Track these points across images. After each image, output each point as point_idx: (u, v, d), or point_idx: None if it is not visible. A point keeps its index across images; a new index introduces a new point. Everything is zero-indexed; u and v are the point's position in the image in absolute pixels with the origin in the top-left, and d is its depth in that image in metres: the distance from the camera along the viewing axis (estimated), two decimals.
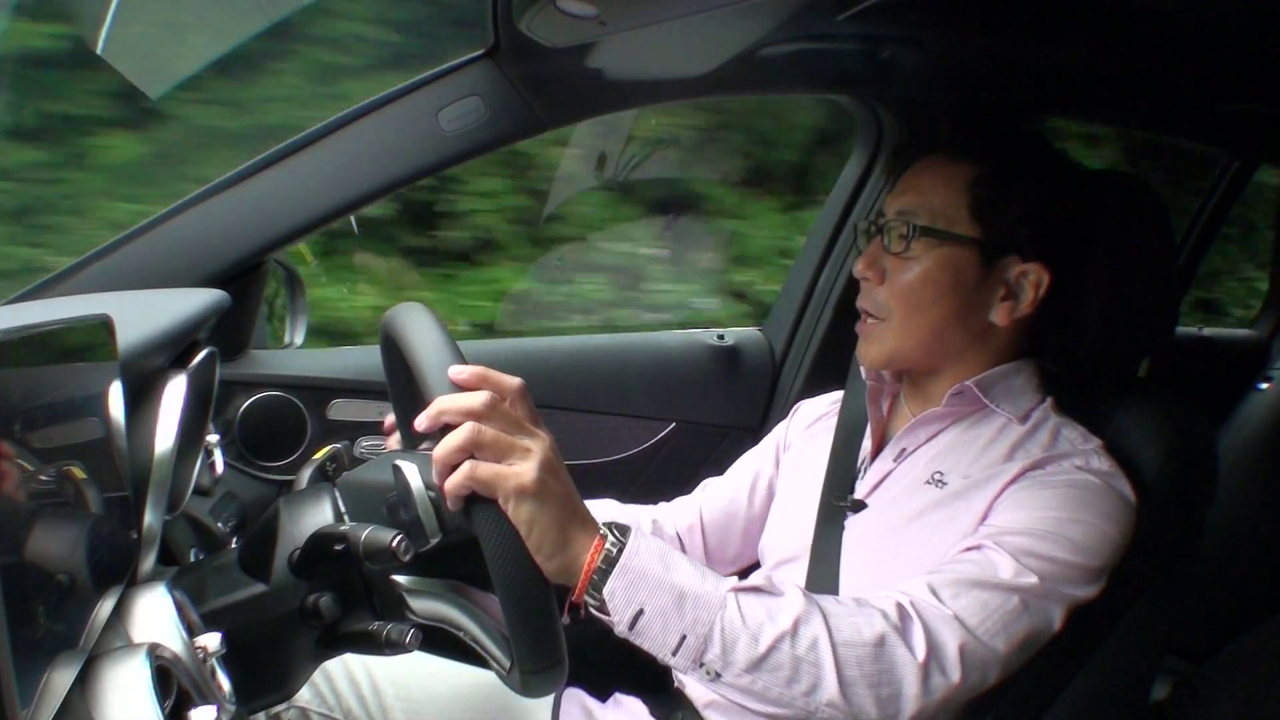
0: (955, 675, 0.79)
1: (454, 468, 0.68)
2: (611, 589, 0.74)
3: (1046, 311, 0.98)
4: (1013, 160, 0.98)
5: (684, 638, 0.75)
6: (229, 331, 1.32)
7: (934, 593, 0.82)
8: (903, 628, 0.80)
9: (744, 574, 0.83)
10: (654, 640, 0.75)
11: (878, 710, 0.78)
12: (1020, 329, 0.99)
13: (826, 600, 0.81)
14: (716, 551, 1.18)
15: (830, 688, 0.76)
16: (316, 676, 1.01)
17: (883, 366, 1.02)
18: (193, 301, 0.95)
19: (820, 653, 0.76)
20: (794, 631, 0.76)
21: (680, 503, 1.22)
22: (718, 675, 0.76)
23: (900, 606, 0.81)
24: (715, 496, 1.20)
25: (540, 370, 1.55)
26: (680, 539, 1.19)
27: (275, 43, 2.08)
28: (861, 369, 1.06)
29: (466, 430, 0.68)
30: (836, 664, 0.76)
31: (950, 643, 0.80)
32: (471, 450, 0.68)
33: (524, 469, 0.69)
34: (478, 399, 0.69)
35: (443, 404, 0.69)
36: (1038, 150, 1.02)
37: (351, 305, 2.25)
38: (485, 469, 0.68)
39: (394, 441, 0.99)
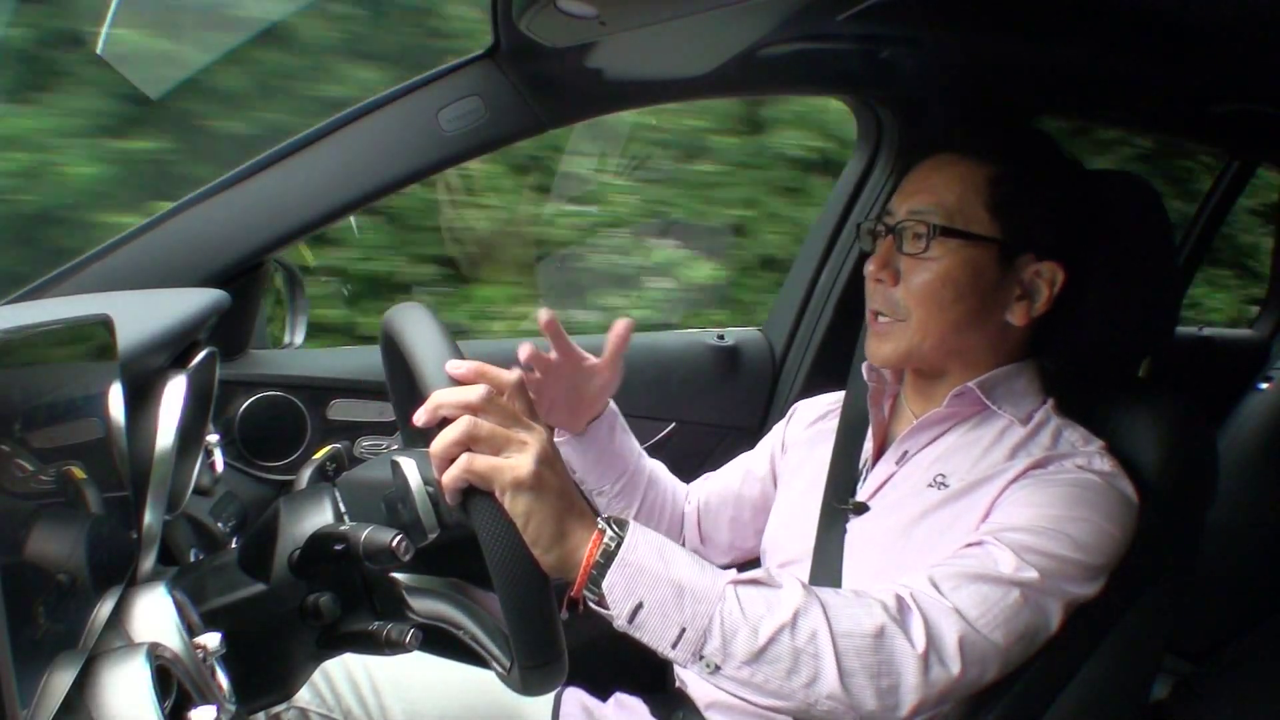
0: (955, 667, 0.79)
1: (452, 461, 0.68)
2: (610, 583, 0.74)
3: (1056, 316, 0.98)
4: (1030, 159, 0.98)
5: (683, 630, 0.75)
6: (229, 331, 1.32)
7: (934, 585, 0.82)
8: (902, 619, 0.80)
9: (742, 569, 0.83)
10: (653, 633, 0.75)
11: (877, 701, 0.78)
12: (1032, 329, 0.99)
13: (825, 592, 0.81)
14: (710, 536, 1.22)
15: (830, 679, 0.76)
16: (316, 676, 1.01)
17: (895, 365, 1.02)
18: (193, 301, 0.95)
19: (820, 644, 0.76)
20: (793, 623, 0.76)
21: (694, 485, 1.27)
22: (717, 668, 0.76)
23: (899, 598, 0.81)
24: (707, 486, 1.24)
25: None
26: (683, 519, 1.23)
27: None
28: (863, 370, 1.06)
29: (463, 423, 0.68)
30: (836, 655, 0.76)
31: (949, 634, 0.80)
32: (468, 443, 0.68)
33: (520, 462, 0.69)
34: (474, 392, 0.69)
35: (440, 397, 0.69)
36: (1050, 149, 1.02)
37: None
38: (482, 462, 0.68)
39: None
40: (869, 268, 0.99)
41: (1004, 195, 0.95)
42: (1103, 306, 0.99)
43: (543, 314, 1.01)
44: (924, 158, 1.01)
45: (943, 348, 0.98)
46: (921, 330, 0.96)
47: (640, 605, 0.74)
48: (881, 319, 0.99)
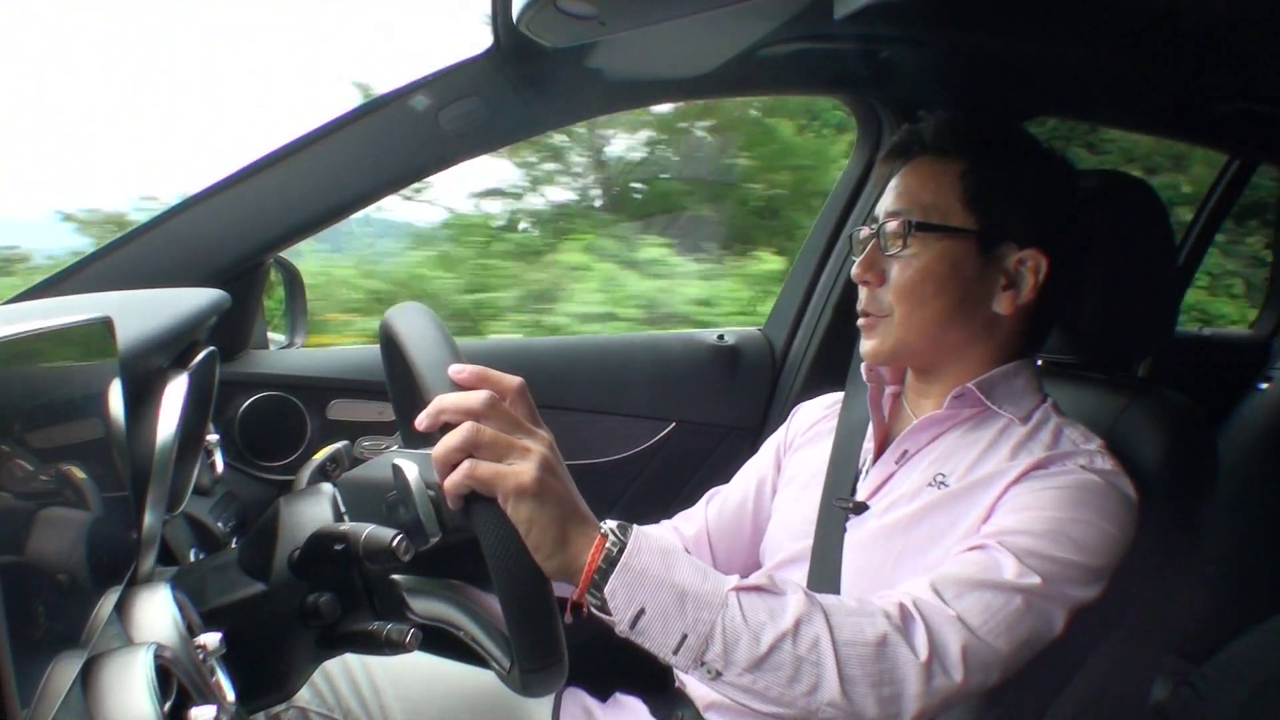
0: (957, 675, 0.79)
1: (454, 466, 0.68)
2: (612, 588, 0.73)
3: (1047, 308, 0.98)
4: (1001, 151, 0.99)
5: (685, 637, 0.74)
6: (229, 331, 1.33)
7: (937, 593, 0.82)
8: (905, 628, 0.79)
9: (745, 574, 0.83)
10: (655, 639, 0.75)
11: (879, 710, 0.78)
12: (1023, 321, 0.99)
13: (828, 599, 0.81)
14: (724, 560, 1.17)
15: (831, 687, 0.76)
16: (316, 676, 1.01)
17: (886, 361, 1.03)
18: (193, 301, 0.95)
19: (822, 652, 0.76)
20: (795, 631, 0.76)
21: (684, 515, 1.22)
22: (719, 674, 0.76)
23: (902, 606, 0.81)
24: (721, 506, 1.19)
25: (540, 370, 1.54)
26: (688, 550, 1.18)
27: None
28: (862, 370, 1.06)
29: (466, 429, 0.68)
30: (838, 663, 0.76)
31: (953, 643, 0.80)
32: (471, 450, 0.68)
33: (523, 468, 0.69)
34: (477, 398, 0.69)
35: (442, 403, 0.69)
36: (1024, 143, 1.03)
37: None
38: (485, 468, 0.68)
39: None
40: (855, 270, 1.00)
41: (977, 187, 0.96)
42: (1102, 306, 0.99)
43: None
44: (905, 162, 1.02)
45: (930, 342, 0.98)
46: (904, 325, 0.97)
47: (642, 611, 0.74)
48: (867, 317, 1.01)
